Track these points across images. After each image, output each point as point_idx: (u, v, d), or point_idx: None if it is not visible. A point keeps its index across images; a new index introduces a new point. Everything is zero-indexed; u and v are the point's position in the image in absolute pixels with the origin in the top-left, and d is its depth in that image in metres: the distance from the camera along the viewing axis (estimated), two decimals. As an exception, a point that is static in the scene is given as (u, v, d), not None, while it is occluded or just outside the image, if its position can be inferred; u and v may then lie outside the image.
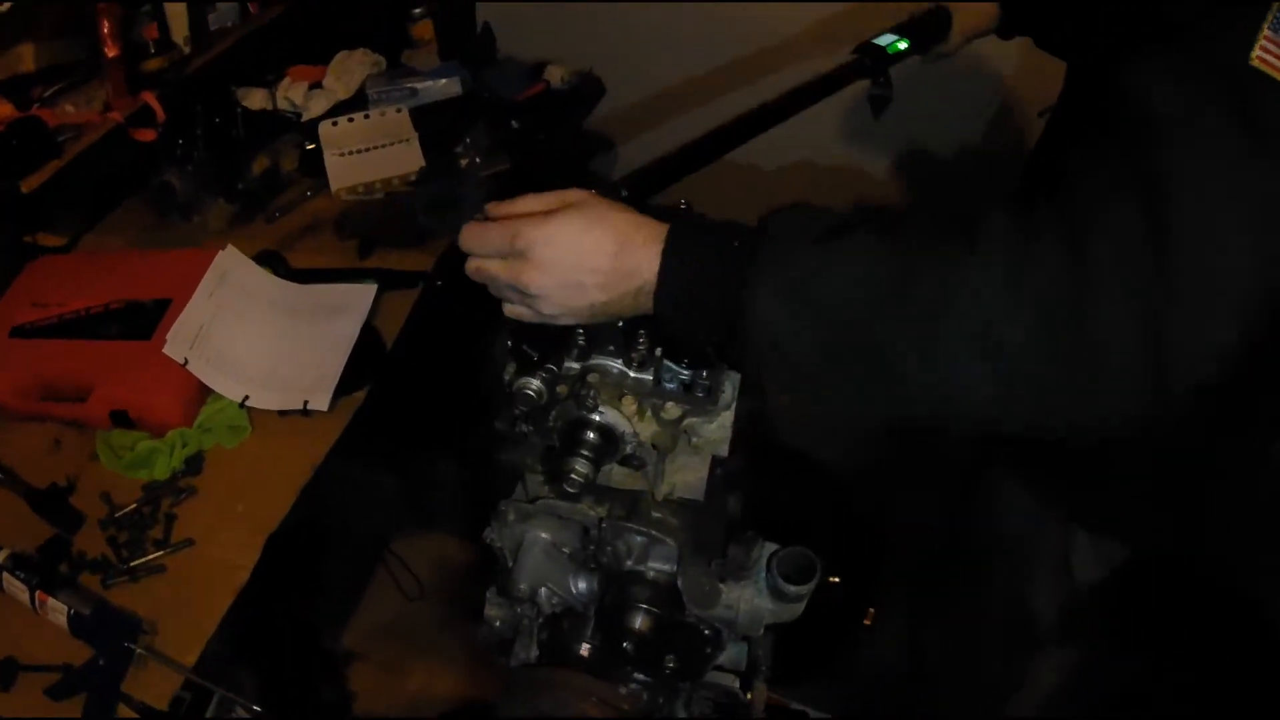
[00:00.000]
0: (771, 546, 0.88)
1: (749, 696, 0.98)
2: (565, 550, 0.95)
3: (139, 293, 1.51)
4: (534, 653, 1.00)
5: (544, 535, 0.94)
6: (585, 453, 0.80)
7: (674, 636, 0.91)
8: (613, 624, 0.91)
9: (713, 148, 1.10)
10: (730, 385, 0.86)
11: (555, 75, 2.30)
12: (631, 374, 0.83)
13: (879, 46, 1.31)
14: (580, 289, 0.79)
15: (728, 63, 2.41)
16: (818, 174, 2.62)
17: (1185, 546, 1.08)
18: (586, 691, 0.91)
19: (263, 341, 1.49)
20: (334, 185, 1.88)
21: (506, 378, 0.83)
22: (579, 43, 2.45)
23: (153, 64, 1.79)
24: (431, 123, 2.03)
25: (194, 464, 1.37)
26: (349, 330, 1.50)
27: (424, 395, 1.69)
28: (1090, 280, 0.64)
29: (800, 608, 0.88)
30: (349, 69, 2.18)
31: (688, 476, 0.89)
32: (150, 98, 1.71)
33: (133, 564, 1.25)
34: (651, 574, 0.90)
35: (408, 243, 1.71)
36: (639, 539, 0.89)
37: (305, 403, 1.41)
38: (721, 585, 0.88)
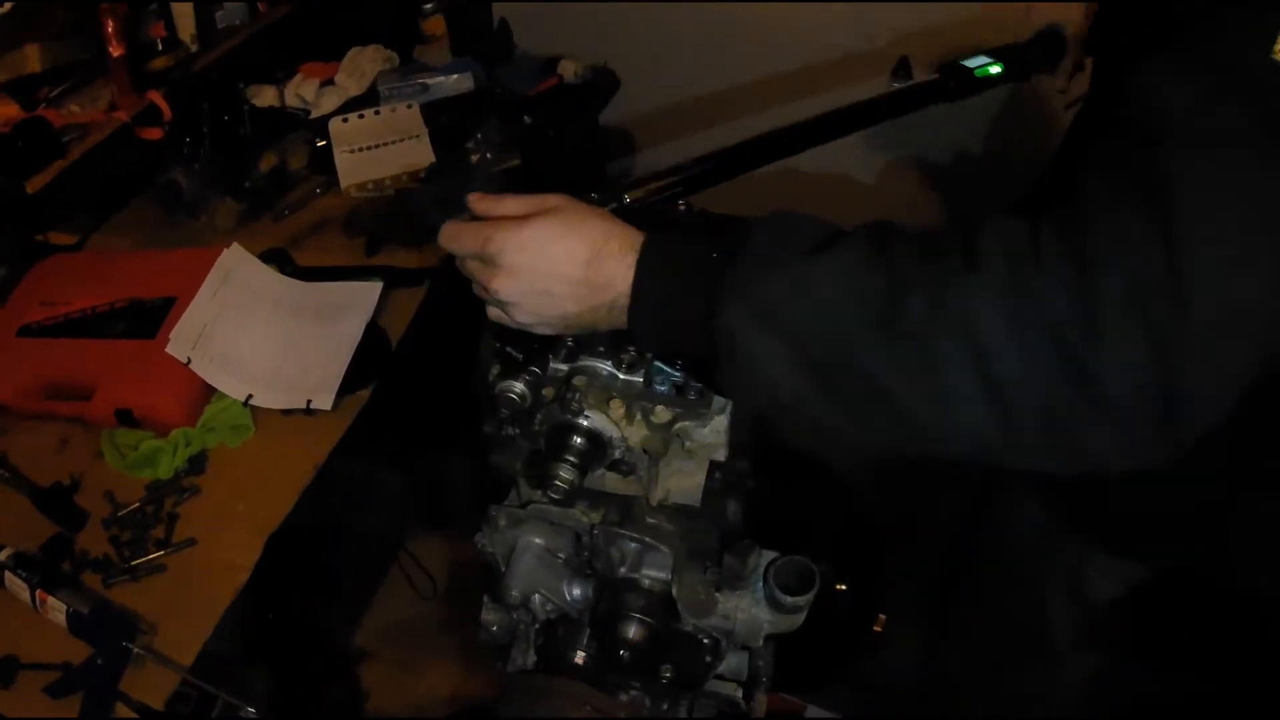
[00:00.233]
0: (770, 555, 0.85)
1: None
2: (560, 556, 0.93)
3: (145, 291, 1.51)
4: (531, 659, 0.98)
5: (537, 541, 0.92)
6: (570, 459, 0.78)
7: (670, 646, 0.89)
8: (607, 633, 0.89)
9: (756, 157, 1.03)
10: (725, 388, 0.82)
11: (569, 70, 2.27)
12: (621, 375, 0.81)
13: (966, 69, 1.16)
14: (551, 298, 0.76)
15: (769, 76, 2.38)
16: (827, 170, 2.59)
17: (1206, 564, 1.03)
18: (582, 700, 0.89)
19: (267, 340, 1.48)
20: (344, 182, 1.87)
21: (491, 379, 0.81)
22: (610, 42, 2.43)
23: (159, 63, 1.79)
24: (442, 118, 2.01)
25: (197, 463, 1.36)
26: (353, 329, 1.49)
27: (430, 393, 1.68)
28: (1098, 312, 0.58)
29: (800, 618, 0.85)
30: (361, 65, 2.17)
31: (683, 481, 0.87)
32: (156, 97, 1.70)
33: (134, 563, 1.25)
34: (646, 582, 0.88)
35: (415, 240, 1.69)
36: (633, 545, 0.87)
37: (309, 402, 1.40)
38: (718, 594, 0.85)
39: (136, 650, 1.13)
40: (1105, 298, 0.58)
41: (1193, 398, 0.59)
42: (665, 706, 0.94)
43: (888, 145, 2.49)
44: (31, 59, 1.62)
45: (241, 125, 1.86)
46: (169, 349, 1.38)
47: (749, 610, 0.85)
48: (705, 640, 0.89)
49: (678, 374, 0.80)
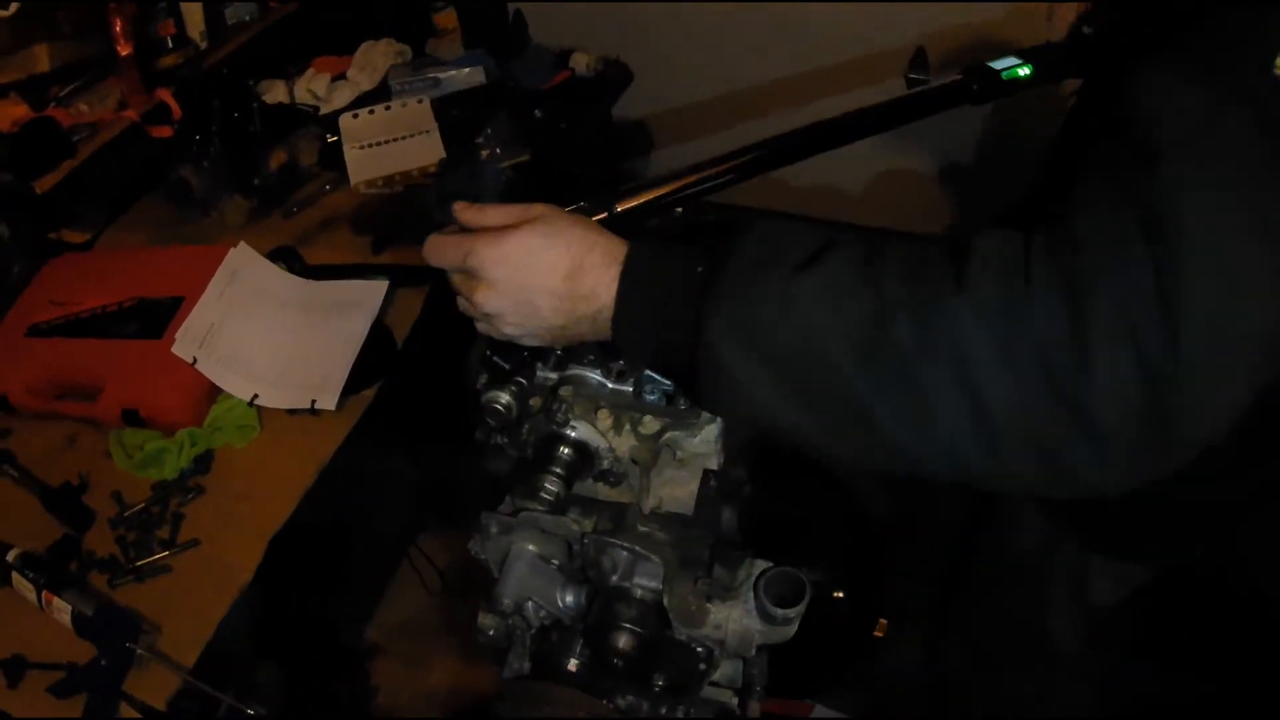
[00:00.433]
0: (762, 565, 0.84)
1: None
2: (553, 562, 0.92)
3: (153, 290, 1.52)
4: (526, 664, 0.98)
5: (530, 548, 0.91)
6: (556, 470, 0.77)
7: (662, 654, 0.88)
8: (599, 641, 0.88)
9: (761, 163, 0.98)
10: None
11: (581, 62, 2.26)
12: (610, 385, 0.80)
13: (993, 70, 1.09)
14: (534, 309, 0.75)
15: (787, 71, 2.36)
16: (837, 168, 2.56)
17: (1209, 565, 1.02)
18: (575, 707, 0.88)
19: (273, 340, 1.48)
20: (353, 179, 1.86)
21: (479, 388, 0.80)
22: (624, 34, 2.42)
23: (169, 60, 1.79)
24: (453, 113, 2.01)
25: (203, 463, 1.37)
26: (358, 328, 1.49)
27: (436, 391, 1.68)
28: (1089, 336, 0.57)
29: (791, 629, 0.84)
30: (373, 59, 2.17)
31: (675, 490, 0.85)
32: (166, 95, 1.71)
33: (139, 564, 1.25)
34: (638, 591, 0.87)
35: (423, 237, 1.68)
36: (624, 554, 0.86)
37: (313, 402, 1.40)
38: (709, 605, 0.84)
39: (140, 651, 1.14)
40: (1096, 322, 0.57)
41: (1186, 423, 0.57)
42: (663, 710, 0.93)
43: (889, 138, 2.46)
44: (41, 58, 1.62)
45: (251, 122, 1.87)
46: (175, 349, 1.39)
47: (740, 621, 0.84)
48: (698, 649, 0.88)
49: (668, 383, 0.79)
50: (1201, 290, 0.55)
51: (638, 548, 0.84)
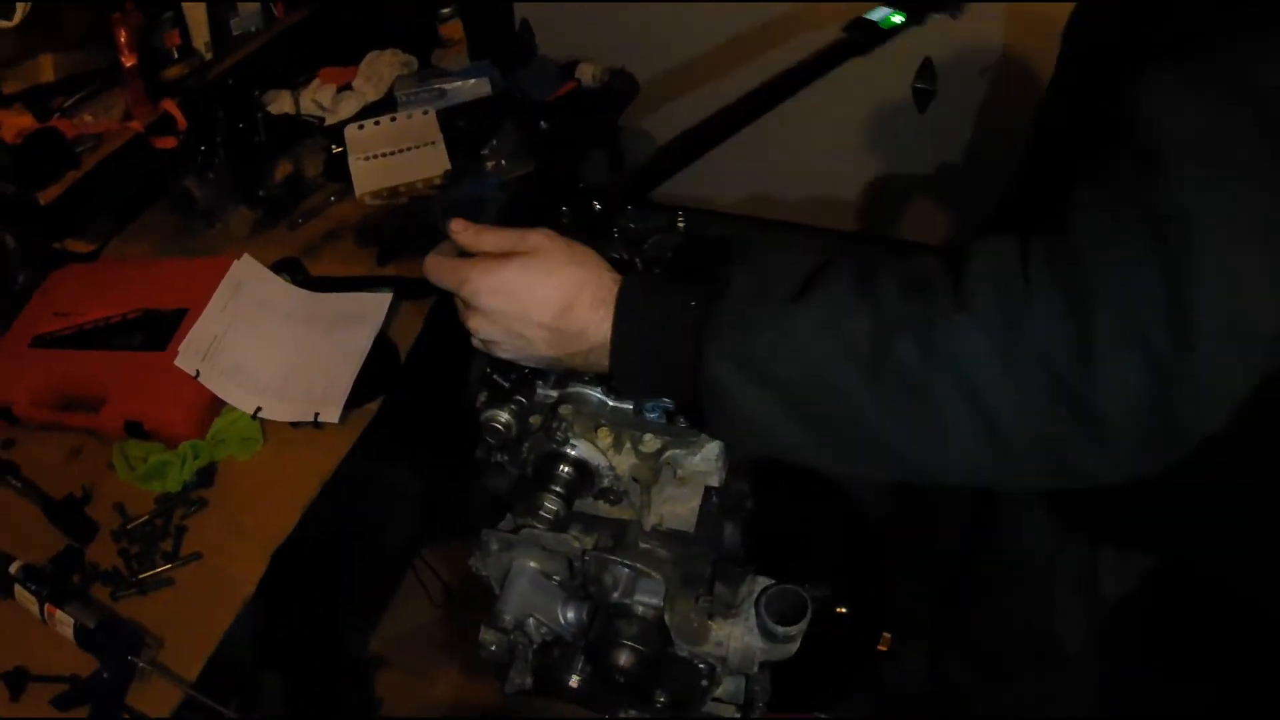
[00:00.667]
0: (763, 582, 0.84)
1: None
2: (554, 579, 0.92)
3: (157, 302, 1.52)
4: (528, 680, 0.98)
5: (531, 564, 0.91)
6: (556, 489, 0.76)
7: (664, 671, 0.87)
8: (600, 658, 0.88)
9: (703, 139, 1.01)
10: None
11: (587, 73, 2.26)
12: (610, 403, 0.79)
13: (870, 21, 1.17)
14: (527, 343, 0.75)
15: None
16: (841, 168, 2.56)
17: (1217, 559, 1.01)
18: (577, 721, 0.88)
19: (276, 352, 1.48)
20: (358, 190, 1.87)
21: (478, 406, 0.80)
22: (630, 45, 2.41)
23: (174, 71, 1.80)
24: (459, 124, 2.01)
25: (206, 476, 1.37)
26: (362, 341, 1.48)
27: (440, 404, 1.68)
28: (1093, 343, 0.57)
29: (793, 647, 0.83)
30: (379, 70, 2.17)
31: (677, 508, 0.85)
32: (171, 105, 1.71)
33: (142, 576, 1.25)
34: (640, 608, 0.87)
35: (428, 249, 1.68)
36: (625, 571, 0.86)
37: (316, 415, 1.40)
38: (711, 622, 0.84)
39: (142, 664, 1.14)
40: (1101, 325, 0.57)
41: (1191, 418, 0.58)
42: (669, 723, 0.93)
43: (880, 140, 2.46)
44: (46, 68, 1.63)
45: (256, 133, 1.87)
46: (178, 361, 1.39)
47: (742, 639, 0.83)
48: (700, 666, 0.88)
49: (669, 401, 0.79)
50: (1211, 291, 0.56)
51: (639, 565, 0.84)
